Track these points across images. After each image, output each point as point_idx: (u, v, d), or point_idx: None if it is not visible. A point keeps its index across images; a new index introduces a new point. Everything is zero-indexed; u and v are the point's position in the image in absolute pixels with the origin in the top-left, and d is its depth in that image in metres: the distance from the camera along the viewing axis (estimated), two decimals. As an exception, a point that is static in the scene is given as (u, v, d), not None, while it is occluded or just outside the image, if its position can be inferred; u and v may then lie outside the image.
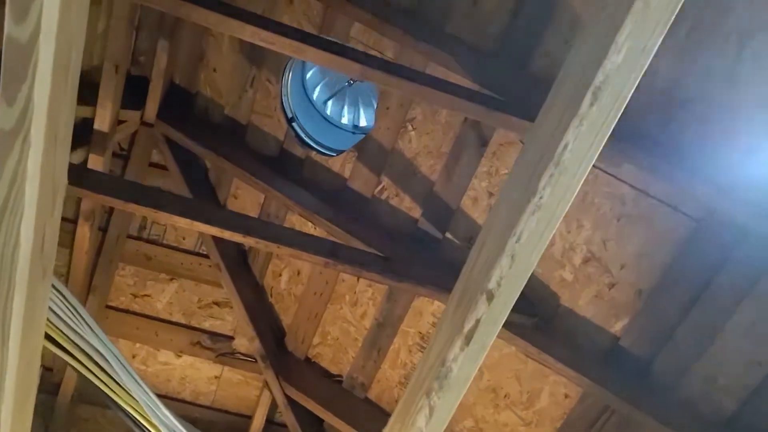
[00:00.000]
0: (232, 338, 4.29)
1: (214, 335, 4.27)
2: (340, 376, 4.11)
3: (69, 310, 1.75)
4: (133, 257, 4.12)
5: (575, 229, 3.16)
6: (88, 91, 3.30)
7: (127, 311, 4.19)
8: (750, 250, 2.77)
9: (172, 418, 1.89)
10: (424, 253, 3.46)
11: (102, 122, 3.16)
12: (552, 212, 1.37)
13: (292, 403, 4.06)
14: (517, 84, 2.96)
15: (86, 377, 1.82)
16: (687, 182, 2.76)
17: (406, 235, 3.52)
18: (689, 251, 2.93)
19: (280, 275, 4.12)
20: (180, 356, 4.26)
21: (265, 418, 4.38)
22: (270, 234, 3.06)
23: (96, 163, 3.24)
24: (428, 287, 3.18)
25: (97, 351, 1.82)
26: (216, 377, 4.33)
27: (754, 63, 2.59)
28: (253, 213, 4.00)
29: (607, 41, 1.23)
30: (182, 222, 3.01)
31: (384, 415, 3.93)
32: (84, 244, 3.52)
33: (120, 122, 3.62)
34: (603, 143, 1.30)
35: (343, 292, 3.90)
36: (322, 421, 4.15)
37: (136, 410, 1.89)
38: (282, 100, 3.70)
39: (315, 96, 3.93)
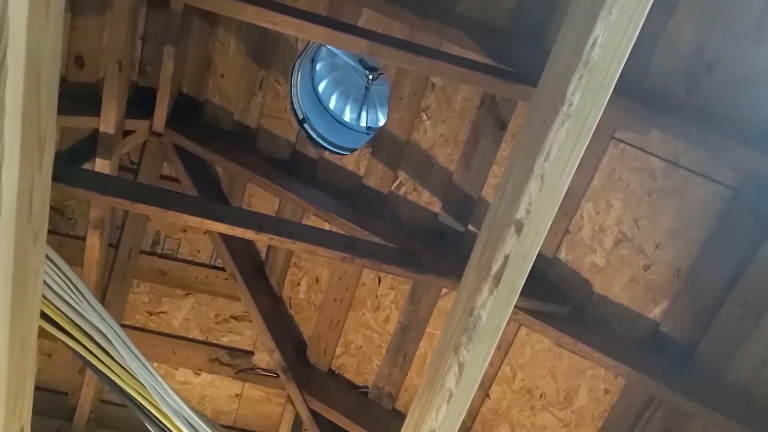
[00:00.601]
0: (251, 353, 4.14)
1: (233, 351, 4.12)
2: (365, 386, 3.93)
3: (65, 283, 1.63)
4: (146, 273, 4.01)
5: (604, 209, 3.00)
6: (96, 104, 3.23)
7: (142, 329, 4.06)
8: (795, 214, 2.60)
9: (181, 402, 1.75)
10: (447, 248, 3.31)
11: (107, 124, 3.08)
12: (583, 120, 1.24)
13: (317, 417, 3.88)
14: (532, 59, 2.83)
15: (86, 359, 1.69)
16: (720, 146, 2.61)
17: (426, 230, 3.38)
18: (728, 223, 2.76)
19: (299, 284, 3.98)
20: (199, 374, 4.11)
21: (289, 436, 4.20)
22: (284, 230, 2.93)
23: (103, 167, 3.15)
24: (452, 279, 3.02)
25: (98, 330, 1.69)
26: (237, 395, 4.17)
27: (783, 12, 2.45)
28: (268, 221, 3.88)
29: None
30: (192, 220, 2.90)
31: (413, 425, 3.73)
32: (94, 256, 3.41)
33: (128, 132, 3.54)
34: (636, 34, 1.17)
35: (364, 297, 3.74)
36: (348, 435, 3.97)
37: (142, 395, 1.75)
38: (292, 101, 3.61)
39: (321, 90, 3.83)
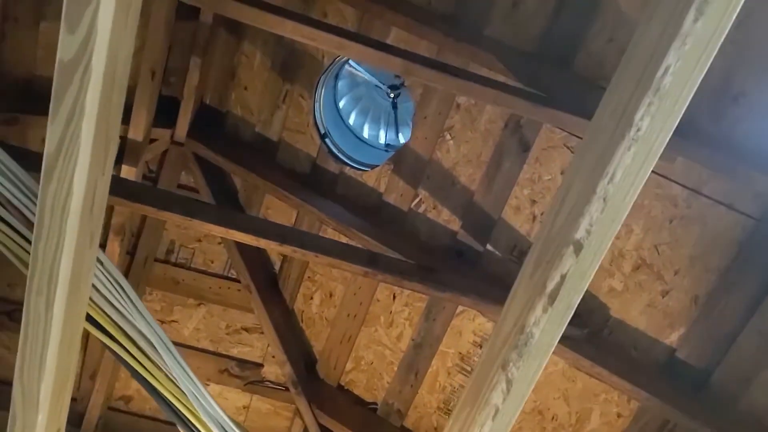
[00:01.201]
0: (261, 365, 4.14)
1: (242, 362, 4.12)
2: (374, 403, 3.93)
3: (113, 286, 1.64)
4: (160, 281, 4.01)
5: (624, 234, 3.03)
6: (125, 111, 3.25)
7: (153, 338, 4.04)
8: (816, 246, 2.64)
9: (221, 413, 1.75)
10: (465, 267, 3.33)
11: (136, 131, 3.10)
12: (650, 146, 1.26)
13: (325, 432, 3.88)
14: (561, 83, 2.88)
15: (127, 362, 1.69)
16: (744, 177, 2.65)
17: (445, 248, 3.40)
18: (748, 252, 2.80)
19: (312, 298, 3.98)
20: (207, 385, 4.10)
21: (295, 450, 4.19)
22: (307, 242, 2.95)
23: (128, 174, 3.16)
24: (471, 297, 3.04)
25: (142, 335, 1.69)
26: (245, 407, 4.15)
27: (812, 48, 2.51)
28: (284, 234, 3.90)
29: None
30: (217, 230, 2.91)
31: (422, 443, 3.74)
32: (113, 263, 3.41)
33: (150, 141, 3.56)
34: (708, 64, 1.20)
35: (378, 314, 3.76)
36: (356, 451, 3.95)
37: (182, 402, 1.75)
38: (315, 115, 3.64)
39: (342, 106, 3.87)
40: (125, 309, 1.66)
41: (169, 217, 2.87)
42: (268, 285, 4.05)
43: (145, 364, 1.73)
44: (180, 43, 3.58)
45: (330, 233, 3.64)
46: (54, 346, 1.49)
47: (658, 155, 1.27)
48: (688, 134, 2.71)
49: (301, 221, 3.81)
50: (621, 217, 1.32)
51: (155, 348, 1.71)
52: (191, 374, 1.74)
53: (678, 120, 1.24)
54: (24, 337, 1.46)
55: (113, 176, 3.16)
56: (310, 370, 4.01)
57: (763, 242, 2.75)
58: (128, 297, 1.66)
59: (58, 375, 1.58)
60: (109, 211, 3.49)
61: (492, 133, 3.18)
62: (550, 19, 2.90)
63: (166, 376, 1.74)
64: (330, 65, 3.54)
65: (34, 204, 1.54)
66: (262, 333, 4.06)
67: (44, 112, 3.55)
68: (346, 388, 3.99)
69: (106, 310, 1.67)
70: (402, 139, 3.97)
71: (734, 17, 1.17)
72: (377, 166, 3.57)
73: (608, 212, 1.31)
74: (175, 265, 4.03)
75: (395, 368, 3.77)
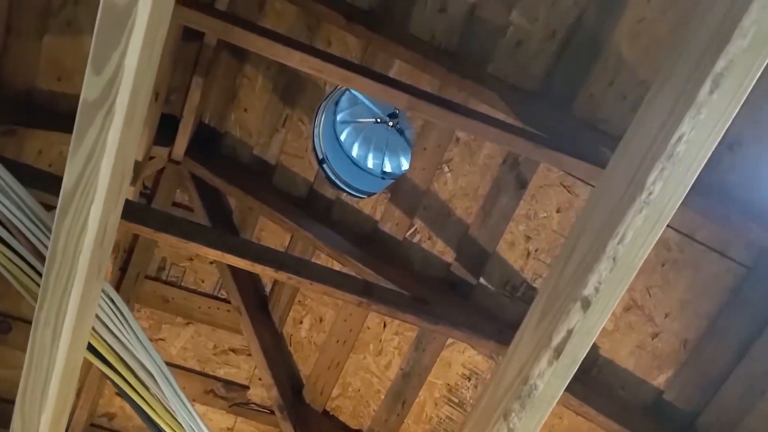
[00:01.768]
0: (247, 388, 4.11)
1: (228, 384, 4.09)
2: (360, 430, 3.91)
3: (117, 317, 1.64)
4: (150, 299, 3.99)
5: (617, 275, 3.05)
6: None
7: (139, 355, 4.01)
8: (806, 297, 2.68)
9: (215, 444, 1.74)
10: (457, 299, 3.34)
11: (138, 151, 3.08)
12: (661, 210, 1.29)
13: (309, 458, 3.86)
14: (560, 123, 2.92)
15: (125, 392, 1.68)
16: (737, 225, 2.70)
17: (438, 279, 3.42)
18: (738, 299, 2.84)
19: (301, 322, 3.98)
20: (193, 405, 4.06)
21: (277, 474, 4.15)
22: (303, 270, 2.95)
23: (126, 193, 3.15)
24: (465, 331, 3.05)
25: (143, 366, 1.69)
26: (229, 429, 4.12)
27: (809, 104, 2.56)
28: (277, 256, 3.89)
29: (731, 25, 1.18)
30: (212, 253, 2.91)
31: (406, 473, 3.72)
32: (106, 279, 3.39)
33: (149, 158, 3.56)
34: (722, 133, 1.23)
35: (368, 341, 3.76)
36: (339, 479, 3.94)
37: (178, 434, 1.74)
38: (314, 141, 3.65)
39: (341, 133, 3.89)
40: (126, 338, 1.66)
41: (165, 239, 2.86)
42: (258, 307, 4.04)
43: (143, 395, 1.72)
44: (183, 62, 3.59)
45: (323, 259, 3.64)
46: (57, 377, 1.49)
47: (669, 219, 1.30)
48: (684, 181, 2.76)
49: (294, 245, 3.81)
50: (630, 277, 1.34)
51: (154, 379, 1.71)
52: (189, 406, 1.74)
53: (690, 186, 1.26)
54: (28, 368, 1.46)
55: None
56: (297, 394, 4.00)
57: (753, 290, 2.79)
58: (130, 326, 1.66)
59: (58, 404, 1.57)
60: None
61: (490, 168, 3.21)
62: (553, 59, 2.95)
63: (164, 407, 1.74)
64: (332, 92, 3.56)
65: (43, 232, 1.54)
66: (250, 355, 4.04)
67: (42, 125, 3.53)
68: (332, 414, 3.98)
69: (107, 339, 1.66)
70: (392, 167, 4.00)
71: (750, 90, 1.20)
72: (374, 193, 3.58)
73: (617, 272, 1.33)
74: (166, 282, 4.02)
75: (382, 396, 3.77)
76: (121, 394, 1.71)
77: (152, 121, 3.11)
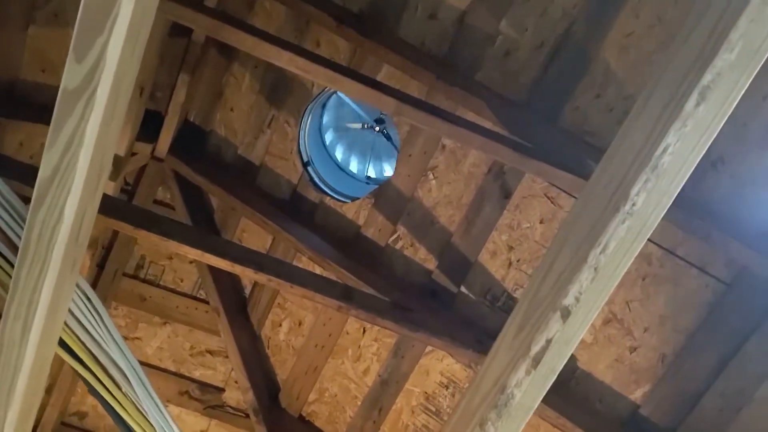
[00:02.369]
0: (222, 390, 4.07)
1: (204, 385, 4.04)
2: (335, 436, 3.88)
3: (91, 313, 1.60)
4: (127, 297, 3.94)
5: (598, 287, 3.06)
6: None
7: (114, 354, 3.95)
8: (783, 316, 2.69)
9: (187, 445, 1.71)
10: (437, 307, 3.33)
11: (119, 147, 3.06)
12: (644, 221, 1.28)
13: (283, 463, 3.82)
14: (546, 135, 2.93)
15: (96, 391, 1.65)
16: (718, 242, 2.71)
17: (419, 286, 3.40)
18: (717, 316, 2.84)
19: (280, 325, 3.94)
20: (166, 406, 4.00)
21: (250, 479, 4.11)
22: (283, 272, 2.92)
23: (107, 188, 3.11)
24: (444, 339, 3.04)
25: (115, 365, 1.66)
26: (202, 431, 4.07)
27: (792, 124, 2.58)
28: (258, 258, 3.86)
29: (719, 39, 1.18)
30: (192, 253, 2.87)
31: (380, 481, 3.69)
32: (83, 275, 3.34)
33: (132, 154, 3.52)
34: (707, 145, 1.23)
35: (346, 346, 3.73)
36: (312, 485, 3.90)
37: (149, 435, 1.71)
38: (299, 143, 3.63)
39: (327, 137, 3.88)
40: (99, 335, 1.63)
41: (145, 236, 2.83)
42: (237, 308, 4.00)
43: (114, 394, 1.69)
44: (170, 59, 3.56)
45: (305, 262, 3.62)
46: (26, 372, 1.45)
47: (652, 230, 1.29)
48: (667, 196, 2.77)
49: (276, 247, 3.78)
50: (610, 288, 1.33)
51: (127, 378, 1.67)
52: (162, 407, 1.71)
53: (673, 198, 1.26)
54: (-6, 362, 1.42)
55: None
56: (273, 398, 3.96)
57: (732, 307, 2.80)
58: (103, 323, 1.63)
59: (26, 401, 1.53)
60: (83, 223, 3.42)
61: (475, 176, 3.20)
62: (540, 70, 2.95)
63: (136, 407, 1.71)
64: (319, 94, 3.54)
65: (18, 224, 1.50)
66: (227, 357, 4.00)
67: (24, 117, 3.48)
68: (307, 419, 3.94)
69: (80, 336, 1.63)
70: (377, 172, 3.99)
71: (735, 104, 1.20)
72: (358, 198, 3.57)
73: (598, 282, 1.32)
74: (144, 281, 3.97)
75: (359, 402, 3.74)
76: (92, 392, 1.68)
77: (136, 116, 3.07)
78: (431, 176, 3.30)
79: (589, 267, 1.33)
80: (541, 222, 3.10)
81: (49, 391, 3.83)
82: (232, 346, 3.86)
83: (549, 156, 2.81)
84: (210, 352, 4.04)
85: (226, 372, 4.06)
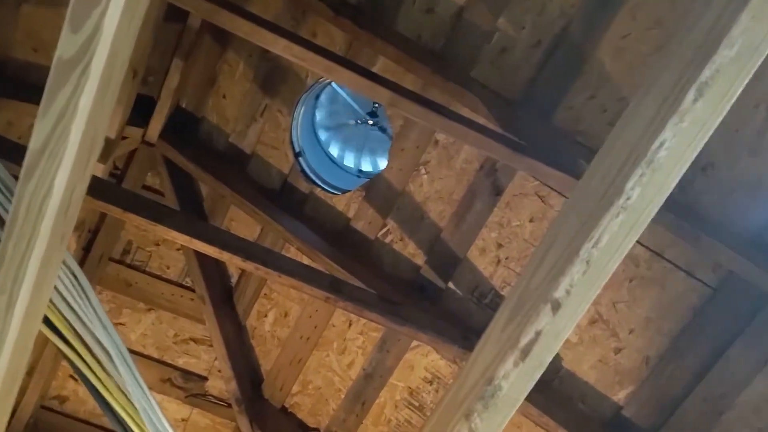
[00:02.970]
0: (206, 379, 4.05)
1: (187, 374, 4.02)
2: (317, 429, 3.87)
3: (77, 291, 1.58)
4: (112, 282, 3.91)
5: (585, 288, 3.06)
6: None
7: (97, 339, 3.92)
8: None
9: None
10: (425, 302, 3.33)
11: (110, 129, 3.03)
12: (638, 215, 1.28)
13: (264, 454, 3.80)
14: (539, 133, 2.93)
15: (80, 370, 1.63)
16: (706, 246, 2.72)
17: (407, 281, 3.40)
18: (702, 320, 2.86)
19: (266, 316, 3.93)
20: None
21: (230, 469, 4.09)
22: (271, 261, 2.91)
23: (96, 170, 3.08)
24: (430, 334, 3.04)
25: (100, 344, 1.64)
26: (183, 420, 4.05)
27: (783, 131, 2.60)
28: (245, 247, 3.84)
29: (720, 34, 1.18)
30: (181, 238, 2.85)
31: (361, 475, 3.69)
32: (67, 258, 3.31)
33: (122, 138, 3.49)
34: (704, 142, 1.23)
35: (332, 339, 3.72)
36: (292, 476, 3.89)
37: (131, 416, 1.69)
38: (291, 133, 3.62)
39: (319, 129, 3.87)
40: (84, 314, 1.61)
41: (133, 219, 2.80)
42: (223, 297, 3.98)
43: (97, 373, 1.67)
44: (164, 44, 3.53)
45: (293, 252, 3.60)
46: (8, 348, 1.43)
47: (645, 225, 1.29)
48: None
49: (264, 237, 3.77)
50: (602, 282, 1.33)
51: (111, 358, 1.65)
52: (146, 389, 1.69)
53: (668, 194, 1.26)
54: (-23, 336, 1.40)
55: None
56: (256, 388, 3.94)
57: (716, 312, 2.81)
58: (89, 301, 1.61)
59: (7, 378, 1.51)
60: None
61: (467, 173, 3.20)
62: (536, 69, 2.95)
63: (118, 388, 1.69)
64: (313, 85, 3.53)
65: (6, 197, 1.49)
66: (211, 346, 3.98)
67: (14, 96, 3.43)
68: (290, 411, 3.93)
69: (65, 314, 1.61)
70: (370, 166, 3.98)
71: (733, 101, 1.20)
72: (348, 191, 3.56)
73: (590, 275, 1.32)
74: (130, 266, 3.94)
75: (342, 395, 3.73)
76: (75, 371, 1.66)
77: (128, 99, 3.05)
78: (423, 171, 3.30)
79: (581, 260, 1.32)
80: (531, 220, 3.10)
81: (29, 373, 3.79)
82: (217, 335, 3.84)
83: (541, 154, 2.82)
84: (194, 340, 4.01)
85: (209, 361, 4.03)
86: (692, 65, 1.20)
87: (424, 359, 3.47)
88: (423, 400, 3.51)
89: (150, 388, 3.98)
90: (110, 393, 1.68)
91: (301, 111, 3.64)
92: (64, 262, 1.57)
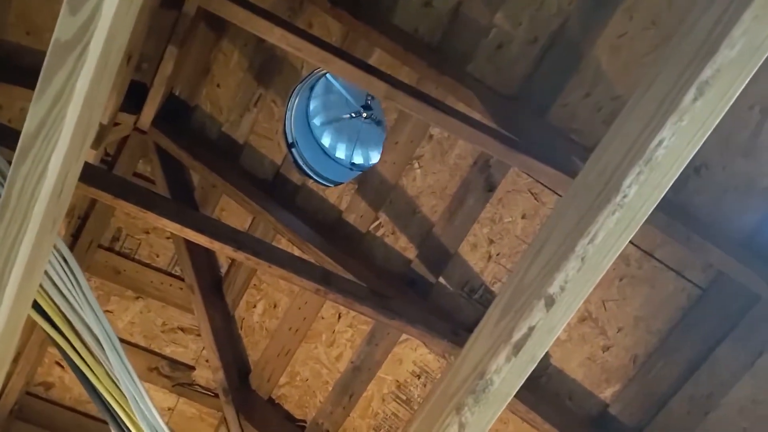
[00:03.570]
0: (193, 368, 4.03)
1: (174, 363, 4.00)
2: (304, 421, 3.87)
3: (67, 276, 1.57)
4: (101, 269, 3.88)
5: (575, 285, 3.07)
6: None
7: (84, 326, 3.90)
8: (756, 323, 2.72)
9: (160, 420, 1.69)
10: (415, 296, 3.33)
11: (103, 113, 3.00)
12: (635, 213, 1.28)
13: (250, 445, 3.80)
14: (533, 130, 2.93)
15: (69, 356, 1.62)
16: (697, 246, 2.73)
17: (398, 275, 3.40)
18: (690, 320, 2.88)
19: (255, 306, 3.92)
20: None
21: (215, 459, 4.08)
22: (262, 252, 2.90)
23: (87, 156, 3.05)
24: (420, 329, 3.04)
25: (90, 330, 1.62)
26: (170, 409, 4.03)
27: (777, 133, 2.61)
28: (236, 238, 3.83)
29: (721, 34, 1.18)
30: (171, 226, 2.84)
31: (346, 467, 3.69)
32: (56, 243, 3.28)
33: (114, 124, 3.46)
34: (702, 142, 1.23)
35: (321, 331, 3.71)
36: (278, 467, 3.88)
37: (119, 403, 1.68)
38: (285, 123, 3.60)
39: (313, 120, 3.85)
40: (75, 300, 1.60)
41: (124, 206, 2.78)
42: (212, 287, 3.96)
43: (87, 360, 1.66)
44: (159, 31, 3.49)
45: (284, 244, 3.59)
46: (-2, 329, 1.42)
47: (641, 223, 1.29)
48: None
49: (255, 227, 3.75)
50: (596, 279, 1.33)
51: (101, 344, 1.65)
52: (135, 376, 1.68)
53: (664, 193, 1.26)
54: (-34, 319, 1.38)
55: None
56: (243, 379, 3.93)
57: (705, 312, 2.83)
58: (80, 287, 1.59)
59: (-5, 361, 1.50)
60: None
61: (460, 168, 3.20)
62: (532, 66, 2.95)
63: (107, 374, 1.68)
64: (308, 76, 3.51)
65: (-3, 180, 1.47)
66: (199, 335, 3.97)
67: (5, 78, 3.40)
68: (277, 402, 3.93)
69: (55, 299, 1.60)
70: (362, 159, 3.97)
71: (732, 101, 1.20)
72: (341, 183, 3.55)
73: (585, 272, 1.32)
74: (119, 254, 3.91)
75: (330, 388, 3.73)
76: (64, 357, 1.65)
77: (121, 85, 3.02)
78: (416, 165, 3.29)
79: (577, 257, 1.33)
80: (523, 217, 3.11)
81: (16, 359, 3.76)
82: (205, 324, 3.83)
83: (535, 151, 2.82)
84: (182, 329, 4.00)
85: (197, 350, 4.02)
86: (693, 64, 1.20)
87: (412, 353, 3.47)
88: (411, 394, 3.51)
89: (137, 377, 3.93)
90: (99, 380, 1.67)
91: (295, 102, 3.62)
92: (54, 247, 1.56)
